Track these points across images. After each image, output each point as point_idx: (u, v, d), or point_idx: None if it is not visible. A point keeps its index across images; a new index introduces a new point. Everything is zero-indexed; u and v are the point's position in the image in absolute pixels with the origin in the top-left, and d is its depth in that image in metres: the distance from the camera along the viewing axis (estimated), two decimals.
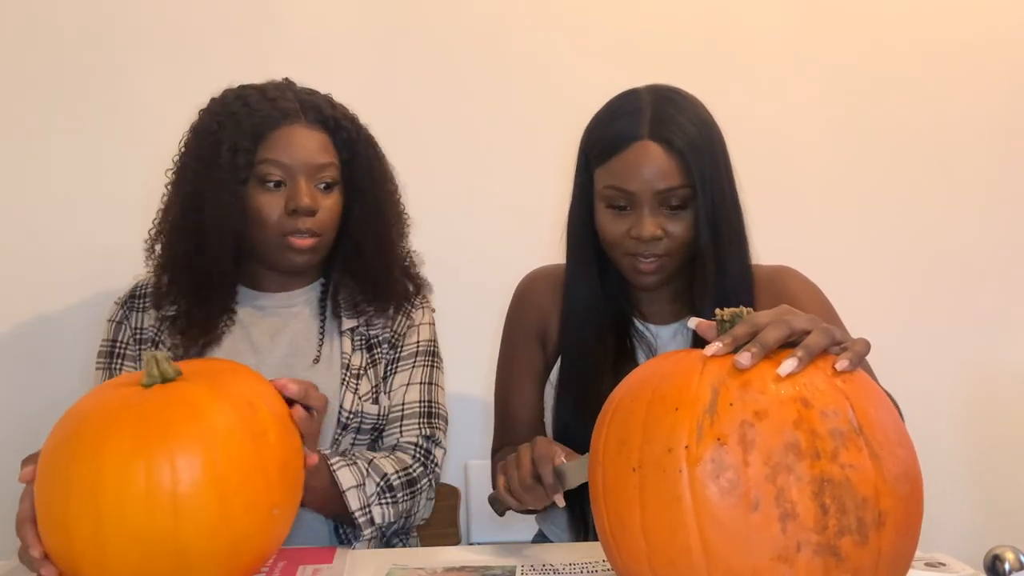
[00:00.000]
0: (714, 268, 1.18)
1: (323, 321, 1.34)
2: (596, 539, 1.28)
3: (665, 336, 1.30)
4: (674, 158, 1.14)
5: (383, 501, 1.20)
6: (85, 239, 1.71)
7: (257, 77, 1.34)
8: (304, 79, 1.37)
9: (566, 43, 1.86)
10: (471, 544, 1.71)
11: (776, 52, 1.89)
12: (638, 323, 1.31)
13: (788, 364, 0.77)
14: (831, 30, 1.90)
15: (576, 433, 1.25)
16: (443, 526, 1.56)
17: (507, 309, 1.40)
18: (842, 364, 0.79)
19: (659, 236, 1.16)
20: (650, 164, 1.14)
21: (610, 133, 1.18)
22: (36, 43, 1.77)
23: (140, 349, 1.30)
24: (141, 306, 1.32)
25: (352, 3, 1.83)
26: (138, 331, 1.31)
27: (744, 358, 0.77)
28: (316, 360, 1.30)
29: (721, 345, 0.80)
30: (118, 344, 1.31)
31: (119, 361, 1.30)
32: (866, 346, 0.82)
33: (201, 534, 0.83)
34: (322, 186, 1.26)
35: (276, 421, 0.93)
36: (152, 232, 1.31)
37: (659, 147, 1.14)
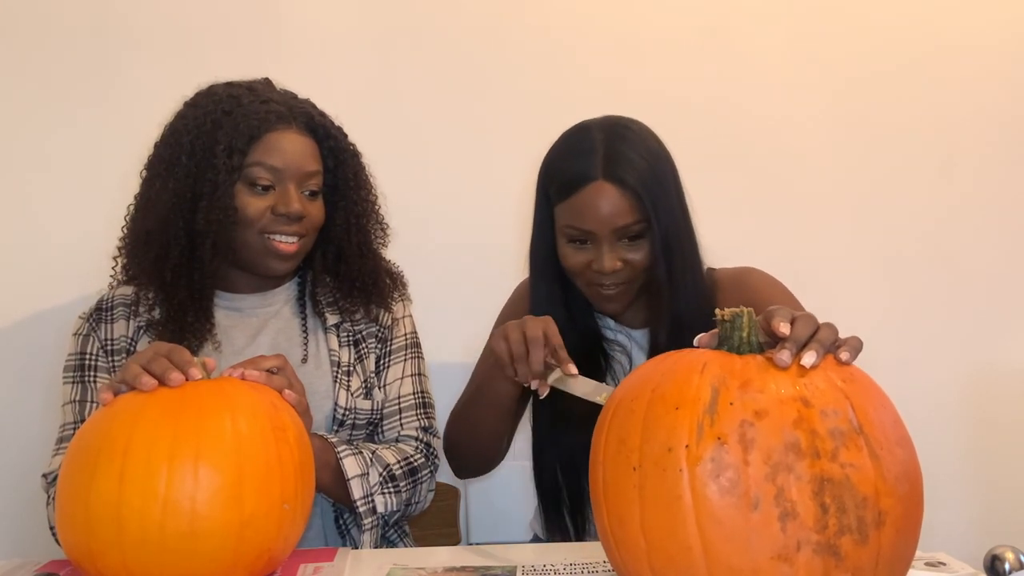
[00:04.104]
0: (668, 293, 1.24)
1: (304, 319, 1.33)
2: (581, 539, 1.32)
3: (639, 337, 1.36)
4: (628, 196, 1.19)
5: (385, 491, 1.22)
6: (85, 236, 1.70)
7: (256, 76, 1.34)
8: (304, 79, 1.36)
9: (566, 43, 1.86)
10: (471, 544, 1.71)
11: (777, 52, 1.90)
12: (615, 327, 1.37)
13: (809, 356, 0.79)
14: (831, 29, 1.90)
15: (553, 445, 1.32)
16: (443, 526, 1.56)
17: (506, 302, 1.45)
18: (845, 356, 0.82)
19: (619, 268, 1.22)
20: (606, 203, 1.19)
21: (566, 173, 1.23)
22: (33, 42, 1.77)
23: (112, 361, 1.27)
24: (109, 318, 1.29)
25: (352, 3, 1.83)
26: (108, 342, 1.28)
27: (810, 357, 0.79)
28: (304, 359, 1.29)
29: (789, 353, 0.80)
30: (87, 356, 1.27)
31: (91, 373, 1.26)
32: (860, 342, 0.84)
33: (214, 507, 0.87)
34: (307, 193, 1.26)
35: (295, 425, 0.99)
36: (126, 235, 1.29)
37: (613, 187, 1.19)
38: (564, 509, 1.33)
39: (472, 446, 1.33)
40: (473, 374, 1.42)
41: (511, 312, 1.42)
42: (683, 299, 1.25)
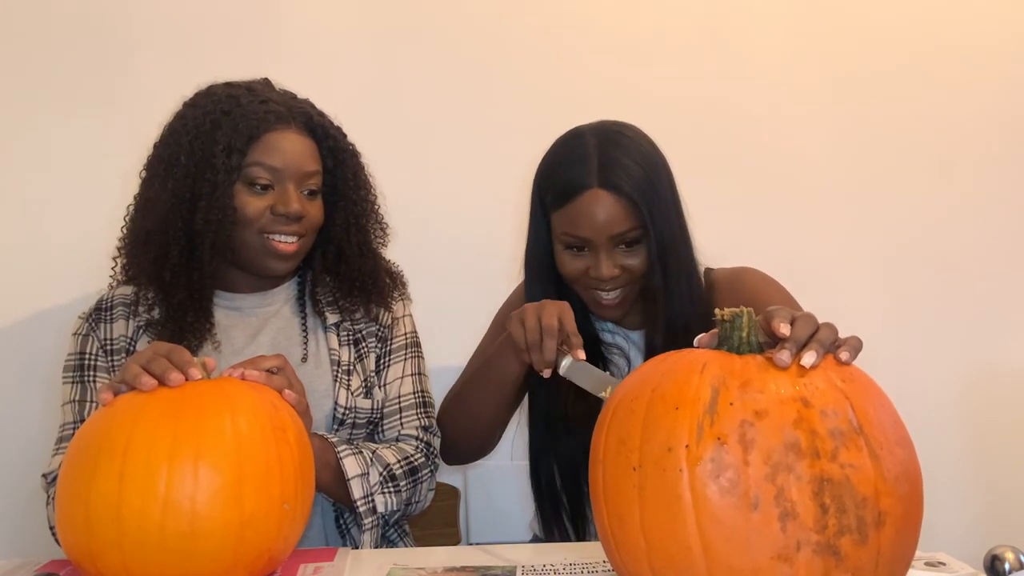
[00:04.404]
0: (664, 296, 1.25)
1: (304, 319, 1.34)
2: (579, 540, 1.32)
3: (637, 338, 1.36)
4: (623, 203, 1.20)
5: (386, 490, 1.22)
6: (85, 236, 1.70)
7: (256, 76, 1.34)
8: (304, 79, 1.36)
9: (565, 43, 1.86)
10: (471, 544, 1.71)
11: (777, 52, 1.90)
12: (612, 329, 1.37)
13: (809, 356, 0.79)
14: (831, 29, 1.90)
15: (550, 448, 1.33)
16: (443, 526, 1.56)
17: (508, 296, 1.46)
18: (845, 356, 0.81)
19: (617, 275, 1.23)
20: (601, 211, 1.20)
21: (561, 181, 1.23)
22: (34, 42, 1.77)
23: (112, 361, 1.27)
24: (109, 318, 1.29)
25: (352, 3, 1.83)
26: (108, 342, 1.28)
27: (809, 357, 0.79)
28: (304, 359, 1.29)
29: (789, 353, 0.80)
30: (87, 356, 1.27)
31: (91, 373, 1.26)
32: (859, 341, 0.84)
33: (214, 507, 0.87)
34: (306, 192, 1.27)
35: (295, 424, 0.99)
36: (125, 235, 1.29)
37: (608, 194, 1.20)
38: (563, 512, 1.33)
39: (468, 430, 1.34)
40: (468, 364, 1.42)
41: (507, 316, 1.42)
42: (678, 302, 1.25)
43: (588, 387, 1.09)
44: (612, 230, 1.20)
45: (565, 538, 1.34)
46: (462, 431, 1.34)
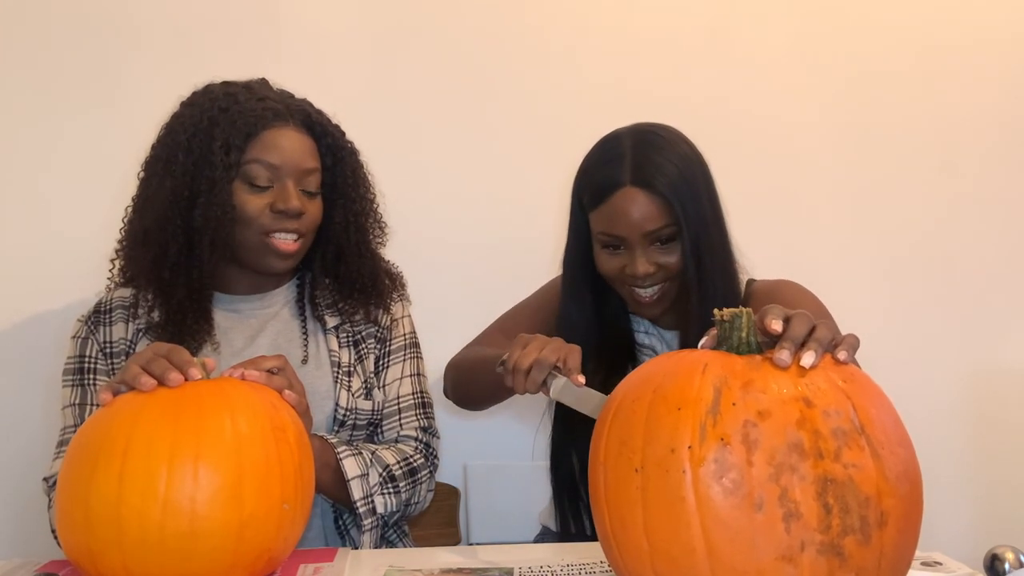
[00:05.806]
0: (698, 295, 1.24)
1: (304, 320, 1.33)
2: (585, 538, 1.32)
3: (671, 339, 1.37)
4: (657, 200, 1.21)
5: (385, 491, 1.22)
6: (86, 237, 1.70)
7: (255, 76, 1.34)
8: (304, 79, 1.36)
9: (565, 43, 1.86)
10: (471, 544, 1.71)
11: (777, 52, 1.89)
12: (647, 329, 1.37)
13: (808, 357, 0.78)
14: (831, 29, 1.90)
15: (574, 442, 1.32)
16: (443, 526, 1.56)
17: (546, 283, 1.47)
18: (843, 355, 0.81)
19: (652, 272, 1.24)
20: (635, 209, 1.21)
21: (597, 180, 1.25)
22: (36, 42, 1.77)
23: (111, 363, 1.27)
24: (108, 320, 1.29)
25: (352, 3, 1.83)
26: (107, 345, 1.27)
27: (809, 357, 0.79)
28: (304, 360, 1.29)
29: (788, 353, 0.79)
30: (87, 359, 1.27)
31: (91, 376, 1.26)
32: (856, 339, 0.84)
33: (214, 507, 0.87)
34: (306, 192, 1.26)
35: (295, 425, 0.99)
36: (124, 235, 1.29)
37: (642, 192, 1.21)
38: (581, 506, 1.33)
39: (464, 396, 1.42)
40: (494, 324, 1.44)
41: (536, 305, 1.43)
42: (711, 302, 1.23)
43: (585, 410, 1.02)
44: (646, 227, 1.21)
45: (581, 531, 1.33)
46: (453, 390, 1.42)
